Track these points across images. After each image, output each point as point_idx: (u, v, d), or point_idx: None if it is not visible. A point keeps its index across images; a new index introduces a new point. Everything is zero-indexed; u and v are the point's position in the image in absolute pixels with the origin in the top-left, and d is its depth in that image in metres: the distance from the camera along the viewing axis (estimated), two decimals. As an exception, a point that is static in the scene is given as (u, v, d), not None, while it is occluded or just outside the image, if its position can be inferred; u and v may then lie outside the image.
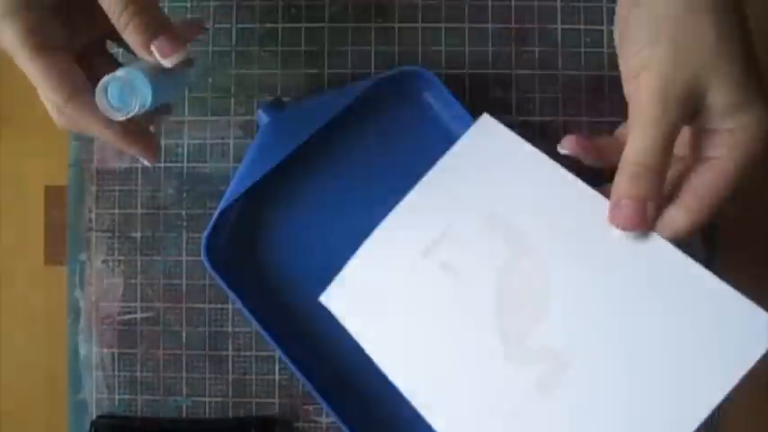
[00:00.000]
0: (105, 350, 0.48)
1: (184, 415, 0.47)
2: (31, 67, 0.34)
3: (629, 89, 0.36)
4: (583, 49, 0.48)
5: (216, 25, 0.48)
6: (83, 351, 0.48)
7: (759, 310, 0.35)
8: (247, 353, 0.47)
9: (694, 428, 0.35)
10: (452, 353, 0.40)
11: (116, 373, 0.48)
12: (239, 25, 0.48)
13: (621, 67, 0.37)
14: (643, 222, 0.36)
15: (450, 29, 0.48)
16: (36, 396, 0.48)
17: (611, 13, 0.48)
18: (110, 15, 0.34)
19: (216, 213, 0.44)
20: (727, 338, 0.35)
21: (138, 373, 0.48)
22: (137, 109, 0.34)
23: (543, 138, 0.47)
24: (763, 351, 0.34)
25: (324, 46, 0.48)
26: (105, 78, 0.33)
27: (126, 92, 0.34)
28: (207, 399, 0.47)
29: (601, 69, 0.48)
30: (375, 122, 0.47)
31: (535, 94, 0.48)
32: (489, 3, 0.48)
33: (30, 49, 0.34)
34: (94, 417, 0.47)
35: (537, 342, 0.38)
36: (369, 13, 0.48)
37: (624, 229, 0.36)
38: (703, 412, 0.35)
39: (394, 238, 0.43)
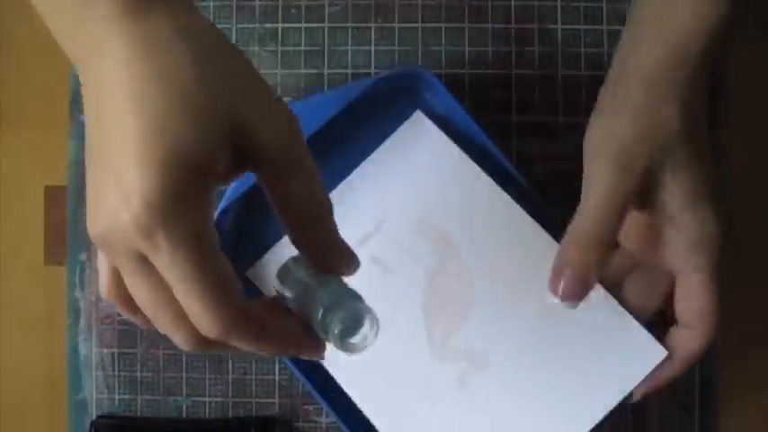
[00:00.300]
0: (105, 350, 0.48)
1: (184, 415, 0.47)
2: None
3: (586, 158, 0.36)
4: (583, 49, 0.48)
5: (216, 25, 0.48)
6: (83, 351, 0.48)
7: (655, 344, 0.39)
8: (247, 353, 0.47)
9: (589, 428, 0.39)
10: (380, 345, 0.40)
11: (116, 373, 0.48)
12: (239, 25, 0.48)
13: (585, 139, 0.37)
14: (582, 296, 0.35)
15: (450, 29, 0.48)
16: (36, 396, 0.48)
17: (612, 13, 0.48)
18: None
19: (216, 213, 0.44)
20: (622, 359, 0.40)
21: (138, 373, 0.48)
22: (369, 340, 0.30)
23: (543, 137, 0.47)
24: (644, 374, 0.39)
25: (324, 46, 0.48)
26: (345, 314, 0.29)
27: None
28: (207, 399, 0.47)
29: (601, 69, 0.48)
30: (375, 122, 0.47)
31: (535, 94, 0.48)
32: (489, 3, 0.48)
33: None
34: (94, 417, 0.47)
35: (459, 342, 0.42)
36: (369, 13, 0.48)
37: (563, 300, 0.35)
38: (599, 414, 0.39)
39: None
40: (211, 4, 0.48)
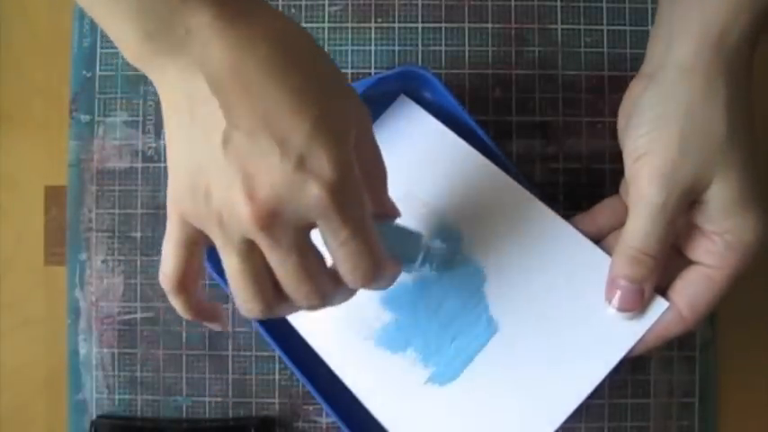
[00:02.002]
0: (105, 350, 0.48)
1: (184, 415, 0.47)
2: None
3: (630, 169, 0.35)
4: (583, 49, 0.48)
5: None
6: (83, 351, 0.48)
7: (657, 297, 0.37)
8: (247, 353, 0.47)
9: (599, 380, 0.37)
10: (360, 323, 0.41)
11: (116, 373, 0.48)
12: (239, 25, 0.48)
13: (625, 147, 0.36)
14: (639, 305, 0.36)
15: (450, 29, 0.48)
16: (36, 396, 0.48)
17: (611, 13, 0.48)
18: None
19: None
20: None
21: (138, 373, 0.48)
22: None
23: (543, 138, 0.47)
24: (648, 326, 0.37)
25: (324, 46, 0.48)
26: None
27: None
28: (207, 399, 0.47)
29: (601, 69, 0.48)
30: (375, 122, 0.47)
31: (535, 94, 0.48)
32: (489, 3, 0.48)
33: None
34: (94, 417, 0.47)
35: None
36: (369, 13, 0.48)
37: (619, 310, 0.36)
38: (604, 370, 0.37)
39: None
40: (211, 4, 0.48)
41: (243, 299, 0.30)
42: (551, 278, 0.39)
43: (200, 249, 0.31)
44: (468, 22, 0.48)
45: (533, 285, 0.39)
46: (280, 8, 0.48)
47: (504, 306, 0.39)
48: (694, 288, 0.36)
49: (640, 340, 0.37)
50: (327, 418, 0.47)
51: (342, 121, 0.29)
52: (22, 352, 0.49)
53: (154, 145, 0.48)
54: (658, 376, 0.47)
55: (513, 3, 0.48)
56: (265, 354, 0.47)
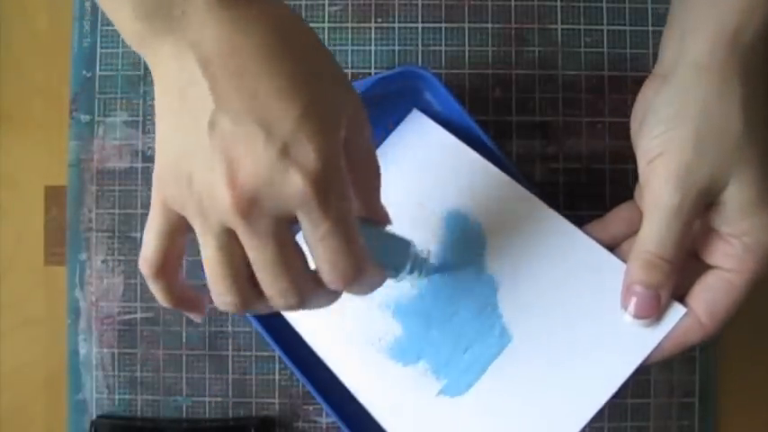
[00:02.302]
0: (105, 350, 0.48)
1: (184, 415, 0.47)
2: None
3: (645, 172, 0.34)
4: (583, 49, 0.48)
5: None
6: (83, 351, 0.48)
7: (675, 303, 0.36)
8: (247, 353, 0.47)
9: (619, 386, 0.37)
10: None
11: (116, 373, 0.48)
12: (239, 25, 0.48)
13: (639, 149, 0.35)
14: (656, 311, 0.35)
15: (450, 29, 0.48)
16: (36, 396, 0.48)
17: (611, 13, 0.48)
18: None
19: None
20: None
21: (138, 373, 0.48)
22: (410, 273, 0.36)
23: (543, 138, 0.47)
24: (666, 331, 0.36)
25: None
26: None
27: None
28: (207, 399, 0.47)
29: (601, 69, 0.48)
30: (375, 122, 0.47)
31: (535, 94, 0.48)
32: (489, 3, 0.48)
33: None
34: (94, 417, 0.47)
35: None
36: (369, 13, 0.48)
37: (636, 317, 0.35)
38: (624, 375, 0.37)
39: None
40: (211, 4, 0.48)
41: (218, 291, 0.29)
42: (565, 287, 0.38)
43: (183, 237, 0.30)
44: (468, 22, 0.48)
45: (547, 294, 0.38)
46: (280, 8, 0.48)
47: (517, 315, 0.39)
48: (713, 293, 0.35)
49: (658, 347, 0.36)
50: (327, 418, 0.47)
51: (333, 111, 0.28)
52: (22, 352, 0.49)
53: (154, 145, 0.48)
54: (658, 376, 0.47)
55: (513, 3, 0.48)
56: (265, 354, 0.47)
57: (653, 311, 0.35)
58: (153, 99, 0.48)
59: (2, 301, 0.49)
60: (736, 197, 0.33)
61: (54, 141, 0.49)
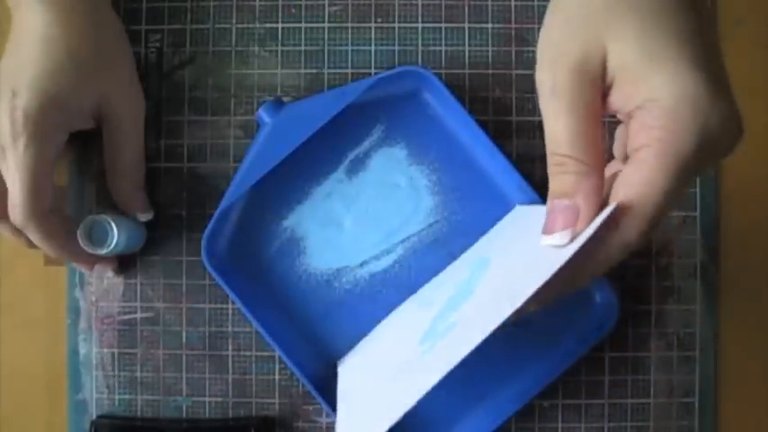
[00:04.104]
0: (105, 350, 0.48)
1: (184, 415, 0.47)
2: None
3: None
4: (583, 49, 0.48)
5: (216, 25, 0.48)
6: (83, 351, 0.48)
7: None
8: (247, 353, 0.47)
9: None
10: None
11: (116, 373, 0.48)
12: (239, 25, 0.48)
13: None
14: (571, 223, 0.30)
15: (450, 29, 0.48)
16: (36, 396, 0.48)
17: (611, 13, 0.48)
18: (117, 182, 0.45)
19: (216, 213, 0.44)
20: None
21: (138, 373, 0.48)
22: (111, 248, 0.43)
23: (543, 138, 0.47)
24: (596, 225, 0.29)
25: (324, 46, 0.48)
26: (89, 218, 0.43)
27: (105, 233, 0.43)
28: (207, 399, 0.47)
29: (601, 69, 0.48)
30: (375, 122, 0.47)
31: (535, 94, 0.48)
32: (489, 3, 0.48)
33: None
34: (94, 417, 0.47)
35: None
36: (369, 13, 0.48)
37: (544, 232, 0.30)
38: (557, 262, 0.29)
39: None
40: (211, 4, 0.48)
41: None
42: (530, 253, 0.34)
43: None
44: (468, 22, 0.48)
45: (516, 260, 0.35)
46: (280, 8, 0.48)
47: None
48: (629, 178, 0.29)
49: (598, 251, 0.30)
50: (327, 418, 0.47)
51: (74, 91, 0.41)
52: (22, 352, 0.48)
53: (154, 145, 0.48)
54: (658, 376, 0.47)
55: (513, 3, 0.48)
56: (265, 354, 0.47)
57: (568, 223, 0.30)
58: (152, 99, 0.48)
59: (2, 301, 0.49)
60: (620, 62, 0.29)
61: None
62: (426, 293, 0.45)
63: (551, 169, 0.31)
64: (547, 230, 0.31)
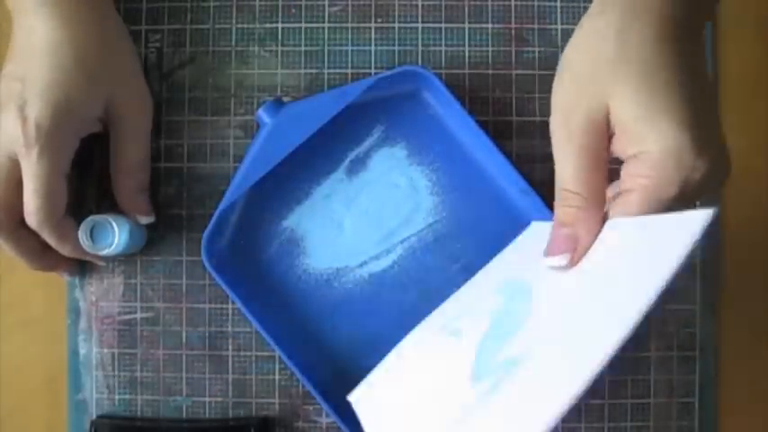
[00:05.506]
0: (105, 350, 0.48)
1: (184, 415, 0.47)
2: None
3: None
4: (583, 49, 0.48)
5: (216, 25, 0.48)
6: (83, 351, 0.48)
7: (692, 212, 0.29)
8: (247, 353, 0.47)
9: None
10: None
11: (116, 373, 0.48)
12: (239, 25, 0.48)
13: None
14: (567, 248, 0.34)
15: (450, 29, 0.48)
16: (36, 396, 0.48)
17: (611, 13, 0.48)
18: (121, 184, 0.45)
19: (216, 213, 0.44)
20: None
21: (138, 373, 0.48)
22: (112, 249, 0.43)
23: (543, 138, 0.47)
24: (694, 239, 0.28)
25: (324, 46, 0.48)
26: (90, 218, 0.43)
27: (106, 233, 0.44)
28: (207, 399, 0.47)
29: (601, 69, 0.48)
30: (375, 122, 0.47)
31: (535, 94, 0.48)
32: (489, 3, 0.48)
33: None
34: (94, 417, 0.47)
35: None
36: (369, 13, 0.48)
37: (546, 254, 0.35)
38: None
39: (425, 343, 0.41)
40: (211, 4, 0.48)
41: None
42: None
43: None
44: (468, 23, 0.48)
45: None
46: (280, 8, 0.48)
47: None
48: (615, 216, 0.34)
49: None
50: (327, 418, 0.47)
51: (85, 100, 0.41)
52: (22, 352, 0.48)
53: (154, 145, 0.48)
54: (658, 376, 0.47)
55: (513, 3, 0.48)
56: (265, 354, 0.47)
57: (564, 248, 0.34)
58: (152, 100, 0.48)
59: (2, 301, 0.49)
60: (619, 117, 0.33)
61: (54, 141, 0.49)
62: (449, 320, 0.41)
63: (557, 201, 0.35)
64: (549, 253, 0.35)
